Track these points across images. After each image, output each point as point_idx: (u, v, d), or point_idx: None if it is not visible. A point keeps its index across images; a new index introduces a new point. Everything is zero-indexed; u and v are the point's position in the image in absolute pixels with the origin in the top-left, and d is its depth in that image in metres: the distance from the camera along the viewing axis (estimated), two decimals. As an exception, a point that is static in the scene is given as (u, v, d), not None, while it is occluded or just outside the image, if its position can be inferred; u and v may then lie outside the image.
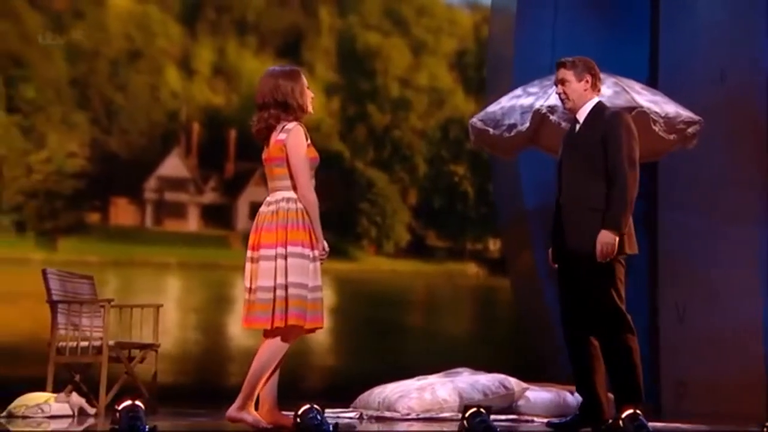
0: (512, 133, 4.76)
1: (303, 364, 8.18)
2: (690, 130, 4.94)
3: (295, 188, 3.53)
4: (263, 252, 3.47)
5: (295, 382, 4.66)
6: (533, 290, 6.41)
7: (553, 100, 4.56)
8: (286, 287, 3.43)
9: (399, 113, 9.45)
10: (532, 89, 4.82)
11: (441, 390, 4.48)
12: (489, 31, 7.59)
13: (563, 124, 4.62)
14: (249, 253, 3.52)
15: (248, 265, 3.51)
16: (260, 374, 3.46)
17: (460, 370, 4.73)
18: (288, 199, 3.54)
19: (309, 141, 3.59)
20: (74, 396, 4.08)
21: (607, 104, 4.64)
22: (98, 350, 4.23)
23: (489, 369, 4.84)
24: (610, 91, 4.71)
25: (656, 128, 4.73)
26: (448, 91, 8.58)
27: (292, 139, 3.53)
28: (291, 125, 3.55)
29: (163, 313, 4.85)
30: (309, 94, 3.62)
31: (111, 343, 4.26)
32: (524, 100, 4.80)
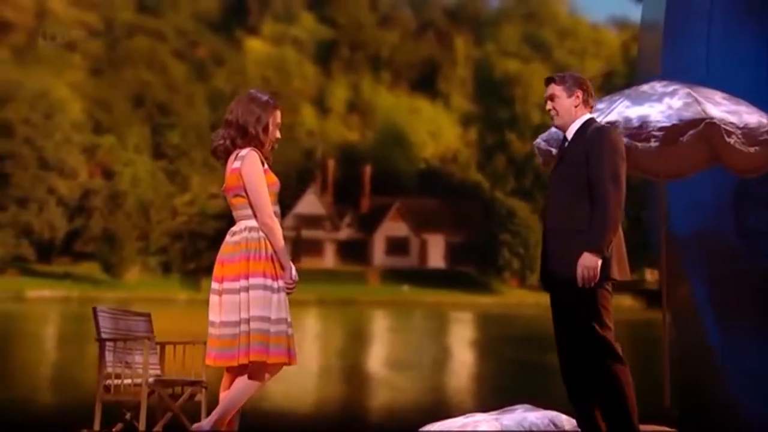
0: None
1: (443, 400, 8.17)
2: (777, 140, 4.53)
3: (257, 216, 3.44)
4: (227, 285, 3.39)
5: (438, 418, 4.66)
6: (692, 325, 6.05)
7: (615, 115, 4.42)
8: (249, 322, 3.35)
9: (539, 140, 9.33)
10: (600, 105, 4.62)
11: (484, 427, 4.38)
12: (638, 50, 7.28)
13: (624, 140, 4.40)
14: (214, 285, 3.45)
15: (213, 298, 3.44)
16: (228, 409, 3.37)
17: (517, 406, 4.59)
18: (250, 229, 3.43)
19: (266, 166, 3.50)
20: None
21: (674, 117, 4.34)
22: (148, 387, 4.23)
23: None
24: (680, 102, 4.47)
25: (731, 140, 4.39)
26: (593, 113, 8.43)
27: (247, 166, 3.44)
28: (244, 152, 3.49)
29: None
30: (275, 132, 3.52)
31: (150, 380, 4.23)
32: None
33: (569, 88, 3.65)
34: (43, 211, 33.31)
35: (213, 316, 3.41)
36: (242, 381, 3.37)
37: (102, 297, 27.46)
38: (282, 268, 3.42)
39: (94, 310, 4.40)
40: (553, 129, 4.70)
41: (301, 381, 11.02)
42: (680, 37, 5.93)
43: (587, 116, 3.67)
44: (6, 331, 17.90)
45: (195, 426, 3.41)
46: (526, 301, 35.65)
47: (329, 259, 42.92)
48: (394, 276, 39.92)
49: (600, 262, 3.42)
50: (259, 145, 3.49)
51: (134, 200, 33.42)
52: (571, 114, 3.65)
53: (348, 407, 7.98)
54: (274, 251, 3.41)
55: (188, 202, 32.54)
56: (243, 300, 3.35)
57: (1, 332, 17.54)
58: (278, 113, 3.54)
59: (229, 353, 3.35)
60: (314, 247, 44.64)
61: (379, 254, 44.00)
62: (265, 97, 3.52)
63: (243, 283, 3.36)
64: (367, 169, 45.69)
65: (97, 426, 4.21)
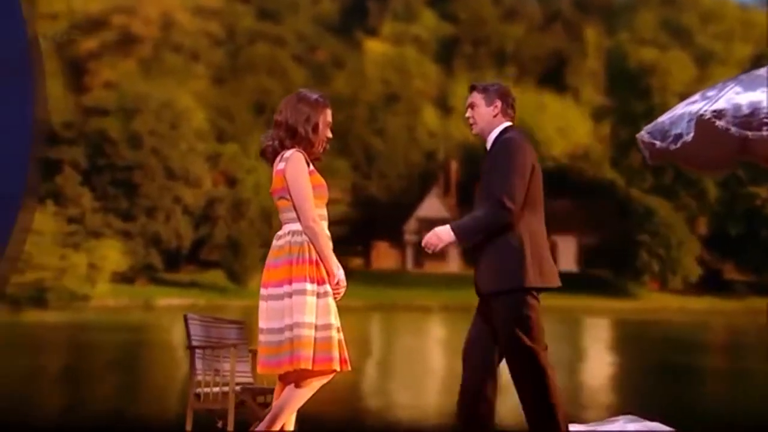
0: (678, 145, 4.27)
1: (572, 410, 7.95)
2: None
3: (300, 219, 3.41)
4: (271, 291, 3.40)
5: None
6: None
7: (723, 103, 4.14)
8: (292, 328, 3.32)
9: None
10: (710, 92, 4.28)
11: None
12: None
13: (732, 129, 4.07)
14: (261, 291, 3.44)
15: (261, 304, 3.43)
16: (278, 417, 3.38)
17: (620, 417, 4.50)
18: (293, 233, 3.42)
19: (312, 167, 3.46)
20: None
21: (749, 108, 4.06)
22: (236, 396, 4.28)
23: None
24: (765, 94, 4.11)
25: None
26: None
27: (290, 168, 3.42)
28: (288, 153, 3.45)
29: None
30: (326, 132, 3.49)
31: (237, 388, 4.28)
32: (695, 106, 4.29)
33: (489, 97, 3.82)
34: (170, 220, 34.88)
35: (261, 322, 3.42)
36: (289, 389, 3.37)
37: (228, 305, 28.47)
38: (328, 272, 3.39)
39: (185, 317, 4.50)
40: (659, 120, 4.56)
41: (429, 388, 10.99)
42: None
43: (504, 125, 3.82)
44: (135, 339, 18.83)
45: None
46: (670, 306, 34.23)
47: (453, 264, 42.77)
48: (523, 281, 39.22)
49: (450, 241, 3.68)
50: (308, 146, 3.48)
51: (257, 207, 34.47)
52: (489, 123, 3.81)
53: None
54: (319, 256, 3.39)
55: (308, 208, 33.23)
56: (287, 306, 3.34)
57: (131, 341, 18.46)
58: (328, 112, 3.51)
59: (275, 360, 3.35)
60: (438, 252, 44.54)
61: (505, 258, 43.33)
62: (314, 96, 3.50)
63: (287, 288, 3.36)
64: (493, 170, 45.22)
65: None
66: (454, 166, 43.92)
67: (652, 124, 4.55)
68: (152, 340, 18.73)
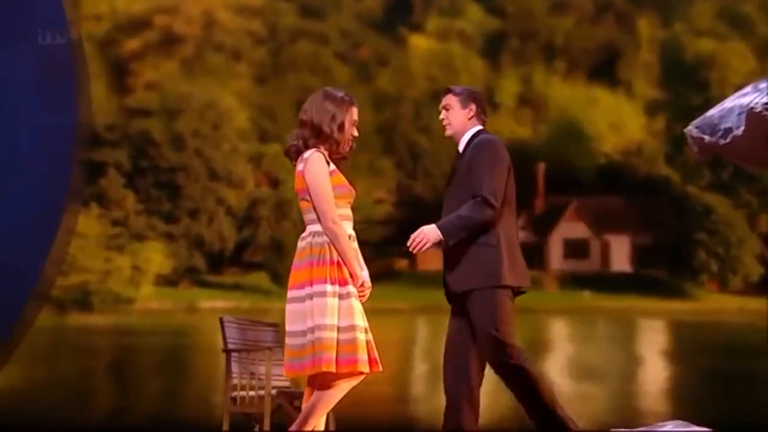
0: (728, 140, 4.17)
1: (626, 418, 7.83)
2: None
3: (320, 221, 3.46)
4: (294, 293, 3.45)
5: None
6: None
7: None
8: (314, 330, 3.37)
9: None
10: (762, 84, 4.13)
11: None
12: None
13: None
14: (288, 294, 3.50)
15: (286, 307, 3.49)
16: (306, 421, 3.39)
17: (669, 423, 4.50)
18: (314, 234, 3.48)
19: (333, 167, 3.49)
20: None
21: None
22: (272, 399, 4.33)
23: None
24: None
25: None
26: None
27: (309, 168, 3.47)
28: (308, 153, 3.48)
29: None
30: (351, 131, 3.53)
31: (274, 392, 4.33)
32: (746, 99, 4.16)
33: (464, 100, 3.99)
34: (213, 222, 35.27)
35: (286, 325, 3.48)
36: (317, 392, 3.40)
37: (271, 307, 28.68)
38: (351, 274, 3.43)
39: (221, 320, 4.57)
40: (707, 114, 4.48)
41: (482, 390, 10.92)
42: None
43: (476, 128, 3.98)
44: (179, 343, 19.08)
45: None
46: (729, 307, 33.54)
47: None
48: (574, 281, 38.83)
49: (437, 241, 3.78)
50: (334, 145, 3.52)
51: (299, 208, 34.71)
52: (463, 125, 3.98)
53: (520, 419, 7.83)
54: (341, 257, 3.42)
55: (352, 208, 33.42)
56: (308, 308, 3.39)
57: (174, 344, 18.71)
58: (354, 110, 3.55)
59: (299, 363, 3.39)
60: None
61: (556, 258, 42.99)
62: (340, 94, 3.53)
63: (308, 290, 3.40)
64: (541, 167, 44.81)
65: None
66: (501, 163, 43.60)
67: (701, 117, 4.47)
68: (196, 343, 18.95)
